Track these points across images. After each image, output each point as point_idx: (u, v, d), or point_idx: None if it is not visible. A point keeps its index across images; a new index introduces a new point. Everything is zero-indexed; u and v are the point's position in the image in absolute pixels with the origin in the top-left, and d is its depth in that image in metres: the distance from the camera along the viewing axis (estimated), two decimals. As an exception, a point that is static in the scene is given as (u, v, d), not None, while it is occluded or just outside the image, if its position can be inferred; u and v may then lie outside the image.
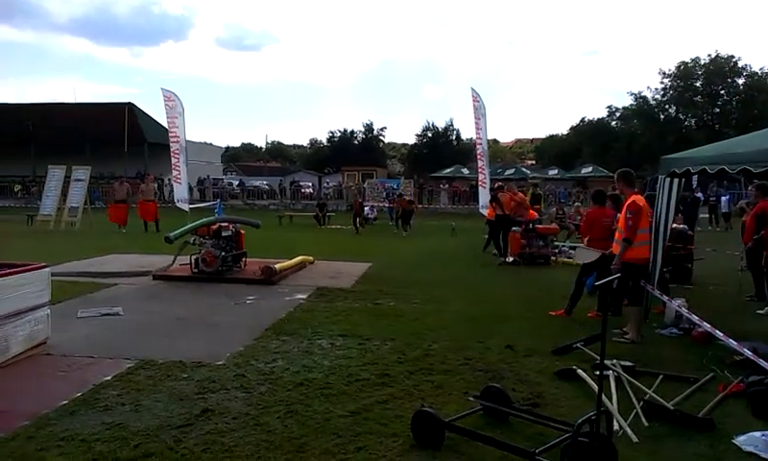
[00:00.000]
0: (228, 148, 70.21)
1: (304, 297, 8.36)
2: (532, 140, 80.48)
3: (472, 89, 16.83)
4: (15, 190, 38.05)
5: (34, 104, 40.03)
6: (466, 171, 42.29)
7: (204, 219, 10.82)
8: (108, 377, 4.88)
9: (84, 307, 7.37)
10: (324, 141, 69.12)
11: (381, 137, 65.71)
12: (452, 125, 61.83)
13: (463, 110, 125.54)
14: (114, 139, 34.28)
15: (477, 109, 16.66)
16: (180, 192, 17.60)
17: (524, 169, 45.86)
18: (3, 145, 38.41)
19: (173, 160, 16.57)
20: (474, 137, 18.09)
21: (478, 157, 17.34)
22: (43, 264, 5.91)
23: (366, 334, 6.33)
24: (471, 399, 4.32)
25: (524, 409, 4.14)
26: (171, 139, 16.50)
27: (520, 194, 14.42)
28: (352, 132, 64.06)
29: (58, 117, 37.19)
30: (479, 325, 6.92)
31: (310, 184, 43.03)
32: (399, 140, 76.54)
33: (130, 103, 36.30)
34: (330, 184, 41.11)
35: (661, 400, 4.41)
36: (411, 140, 66.62)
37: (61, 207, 20.66)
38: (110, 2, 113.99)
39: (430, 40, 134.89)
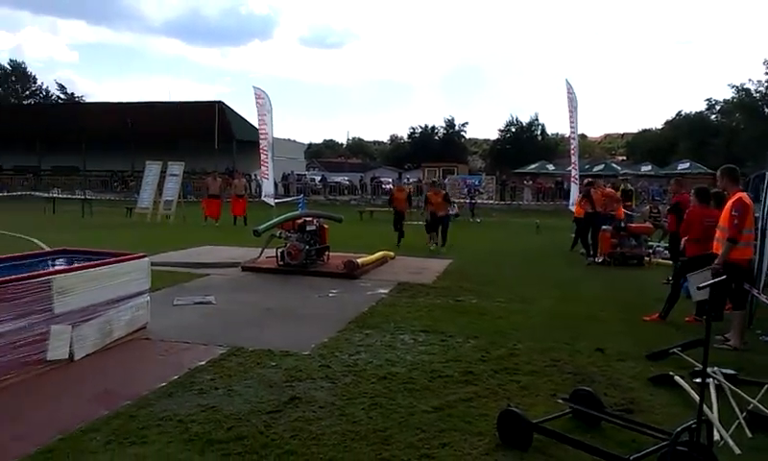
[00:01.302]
0: (310, 144, 71.89)
1: (386, 291, 8.41)
2: (622, 135, 76.95)
3: (566, 81, 16.26)
4: (116, 185, 40.70)
5: (132, 103, 42.60)
6: (551, 167, 41.08)
7: (289, 214, 11.12)
8: (203, 362, 5.11)
9: (179, 295, 7.76)
10: (405, 137, 69.35)
11: (463, 133, 65.07)
12: (537, 119, 60.37)
13: (548, 105, 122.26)
14: (205, 136, 35.91)
15: (571, 102, 16.11)
16: (268, 187, 18.15)
17: (614, 165, 43.81)
18: (104, 142, 41.10)
19: (261, 157, 17.09)
20: (568, 132, 17.49)
21: (571, 152, 16.78)
22: (143, 254, 6.27)
23: (448, 331, 6.28)
24: (560, 401, 4.18)
25: (617, 414, 3.96)
26: (260, 136, 17.03)
27: (609, 189, 13.83)
28: (433, 127, 63.86)
29: (153, 115, 39.39)
30: (567, 325, 6.70)
31: (390, 180, 43.23)
32: (481, 136, 75.44)
33: (220, 101, 37.86)
34: (410, 180, 41.12)
35: (767, 410, 4.10)
36: (493, 135, 65.53)
37: (157, 201, 21.89)
38: (201, 4, 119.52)
39: (515, 33, 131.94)
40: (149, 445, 3.54)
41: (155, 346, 5.67)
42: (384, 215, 24.34)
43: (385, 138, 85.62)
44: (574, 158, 16.56)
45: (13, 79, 66.35)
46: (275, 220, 10.78)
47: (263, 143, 17.00)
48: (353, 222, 21.10)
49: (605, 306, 7.78)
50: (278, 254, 10.07)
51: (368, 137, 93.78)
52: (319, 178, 43.85)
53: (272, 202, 17.37)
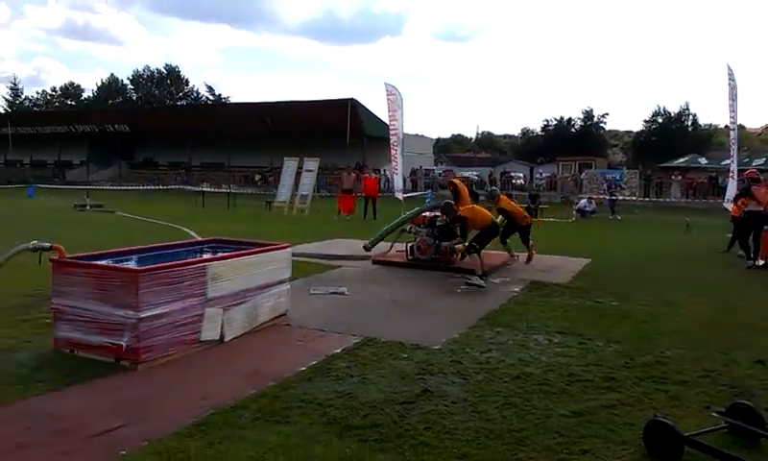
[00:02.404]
0: (438, 139, 71.99)
1: (518, 289, 8.18)
2: (786, 125, 68.73)
3: (728, 67, 14.80)
4: (256, 179, 43.50)
5: (270, 102, 45.29)
6: (703, 160, 37.77)
7: (397, 220, 11.13)
8: (338, 350, 5.29)
9: (315, 285, 8.11)
10: (538, 130, 67.17)
11: (602, 124, 61.70)
12: (687, 109, 55.65)
13: (701, 93, 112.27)
14: (337, 133, 37.23)
15: (732, 90, 14.67)
16: (398, 182, 18.46)
17: (777, 158, 39.34)
18: (246, 139, 44.10)
19: (392, 152, 17.43)
20: (725, 122, 16.08)
21: (731, 143, 15.30)
22: (286, 244, 6.63)
23: (587, 333, 5.97)
24: (715, 414, 3.81)
25: (783, 433, 3.53)
26: (390, 132, 17.35)
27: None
28: (569, 119, 61.17)
29: (290, 113, 41.56)
30: (722, 333, 6.10)
31: (521, 175, 42.18)
32: (622, 127, 71.09)
33: (352, 99, 39.04)
34: (543, 175, 39.81)
35: None
36: (636, 127, 61.50)
37: (294, 195, 23.10)
38: (335, 5, 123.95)
39: (661, 15, 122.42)
40: (292, 425, 3.72)
41: (294, 332, 5.97)
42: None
43: (516, 132, 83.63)
44: (733, 151, 15.07)
45: (168, 82, 73.43)
46: (382, 231, 10.94)
47: (393, 139, 17.30)
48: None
49: (767, 315, 6.99)
50: (408, 248, 10.18)
51: (498, 131, 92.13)
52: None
53: (401, 197, 17.64)
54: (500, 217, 10.46)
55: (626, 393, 4.42)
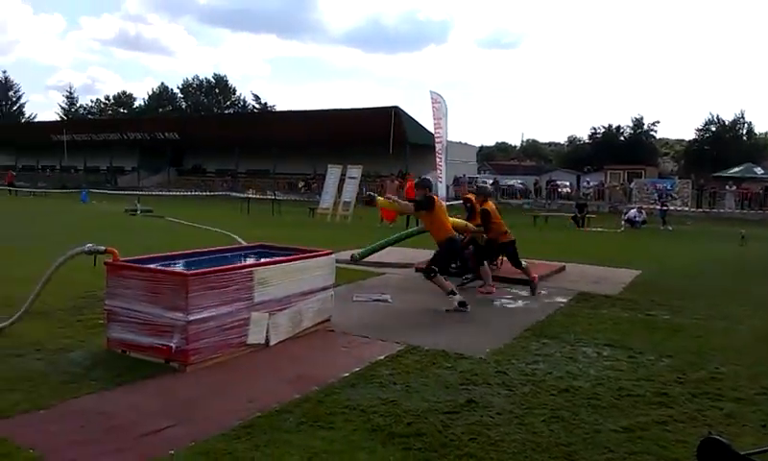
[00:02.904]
0: (482, 147, 71.46)
1: (565, 300, 8.01)
2: None
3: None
4: (300, 186, 44.09)
5: (314, 110, 45.80)
6: (759, 170, 36.39)
7: (396, 236, 10.57)
8: (381, 357, 5.28)
9: (358, 292, 8.13)
10: (585, 138, 65.95)
11: (652, 133, 60.18)
12: (743, 117, 53.81)
13: (757, 101, 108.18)
14: (380, 141, 37.36)
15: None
16: (441, 190, 18.36)
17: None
18: (290, 147, 44.74)
19: (436, 160, 17.32)
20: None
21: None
22: (330, 251, 6.67)
23: (637, 347, 5.79)
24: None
25: None
26: (435, 139, 17.26)
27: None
28: (618, 127, 59.95)
29: (334, 121, 41.94)
30: (782, 350, 5.84)
31: (568, 184, 41.43)
32: (673, 136, 69.15)
33: (395, 107, 39.12)
34: (591, 184, 38.98)
35: None
36: (688, 135, 59.80)
37: (337, 202, 23.29)
38: (380, 14, 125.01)
39: (715, 19, 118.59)
40: (336, 430, 3.72)
41: (337, 338, 5.99)
42: (560, 220, 23.41)
43: (562, 139, 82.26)
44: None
45: (217, 91, 75.36)
46: (374, 245, 10.28)
47: (438, 147, 17.19)
48: (526, 227, 20.52)
49: (833, 332, 6.64)
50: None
51: (543, 139, 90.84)
52: (491, 181, 43.36)
53: (444, 204, 17.54)
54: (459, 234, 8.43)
55: (679, 409, 4.27)
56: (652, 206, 26.51)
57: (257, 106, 72.99)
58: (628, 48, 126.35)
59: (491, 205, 8.56)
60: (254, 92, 78.06)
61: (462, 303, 7.15)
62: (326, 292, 6.35)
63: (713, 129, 54.86)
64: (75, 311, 6.53)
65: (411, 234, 9.72)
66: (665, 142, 67.51)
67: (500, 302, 7.98)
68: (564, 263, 10.86)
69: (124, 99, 79.64)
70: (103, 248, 5.35)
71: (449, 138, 21.12)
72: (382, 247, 8.60)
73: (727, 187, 33.32)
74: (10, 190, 37.69)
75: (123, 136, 53.15)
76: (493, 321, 6.90)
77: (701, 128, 56.13)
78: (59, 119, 67.46)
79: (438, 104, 16.68)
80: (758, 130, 55.51)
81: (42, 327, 5.79)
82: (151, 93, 77.36)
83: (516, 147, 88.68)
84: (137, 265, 5.35)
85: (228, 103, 75.15)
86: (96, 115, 75.17)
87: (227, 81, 76.28)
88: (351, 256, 7.93)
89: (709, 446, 3.32)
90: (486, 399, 4.35)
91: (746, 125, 54.69)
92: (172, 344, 4.77)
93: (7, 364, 4.75)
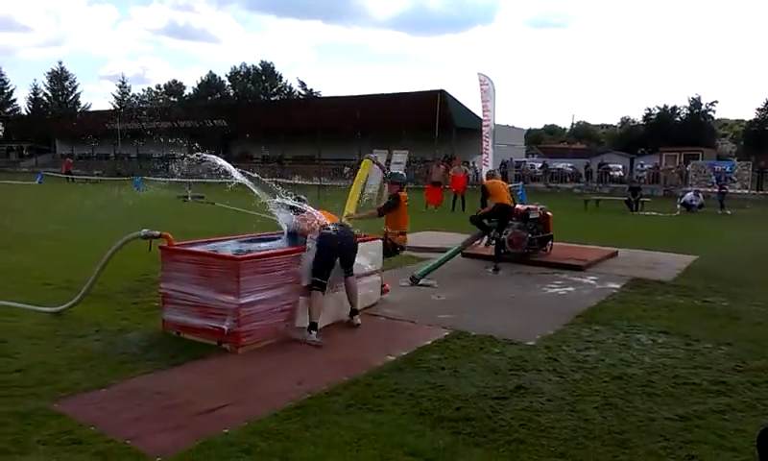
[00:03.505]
0: (530, 130, 70.07)
1: (617, 286, 7.80)
2: None
3: None
4: (345, 172, 44.29)
5: (359, 96, 45.77)
6: (823, 150, 34.33)
7: (452, 250, 9.08)
8: (428, 342, 5.28)
9: (404, 277, 8.12)
10: (639, 119, 63.79)
11: (711, 113, 57.70)
12: (807, 95, 50.93)
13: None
14: (427, 125, 37.08)
15: None
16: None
17: None
18: (336, 133, 44.93)
19: (483, 143, 17.15)
20: None
21: None
22: (377, 236, 6.68)
23: (694, 334, 5.60)
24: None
25: None
26: (483, 122, 17.07)
27: None
28: (674, 108, 57.64)
29: (379, 106, 41.81)
30: None
31: (620, 167, 40.17)
32: (733, 116, 66.28)
33: (441, 90, 38.68)
34: (644, 167, 37.70)
35: None
36: (749, 115, 57.18)
37: (382, 187, 23.26)
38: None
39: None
40: (384, 413, 3.75)
41: (384, 322, 6.03)
42: (612, 205, 22.77)
43: (615, 121, 79.88)
44: None
45: (263, 78, 76.19)
46: (434, 262, 8.64)
47: (485, 130, 17.03)
48: (577, 211, 20.07)
49: None
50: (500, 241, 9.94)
51: (594, 121, 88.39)
52: (539, 164, 42.52)
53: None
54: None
55: (737, 398, 4.13)
56: (709, 190, 25.47)
57: (303, 92, 73.52)
58: (684, 24, 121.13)
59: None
60: (300, 79, 77.99)
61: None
62: (374, 277, 6.39)
63: (775, 108, 52.36)
64: (132, 294, 6.77)
65: (465, 246, 9.50)
66: (724, 123, 64.79)
67: (550, 287, 7.84)
68: (616, 248, 10.56)
69: (174, 88, 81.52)
70: (158, 233, 5.51)
71: (496, 121, 20.82)
72: (442, 263, 8.51)
73: (790, 169, 31.66)
74: (67, 178, 39.19)
75: (173, 124, 54.49)
76: (543, 306, 6.79)
77: (762, 107, 53.64)
78: (112, 108, 69.66)
79: (486, 86, 16.49)
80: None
81: (101, 310, 6.03)
82: (200, 82, 78.93)
83: (565, 129, 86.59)
84: (191, 249, 5.50)
85: (275, 90, 75.89)
86: (147, 104, 77.33)
87: (273, 68, 77.01)
88: (411, 278, 7.94)
89: (771, 436, 3.20)
90: (536, 385, 4.30)
91: (811, 103, 51.99)
92: (224, 326, 4.89)
93: (68, 345, 4.97)
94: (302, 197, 6.13)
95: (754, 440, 3.28)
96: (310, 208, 5.92)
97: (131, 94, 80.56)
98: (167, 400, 3.92)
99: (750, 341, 5.44)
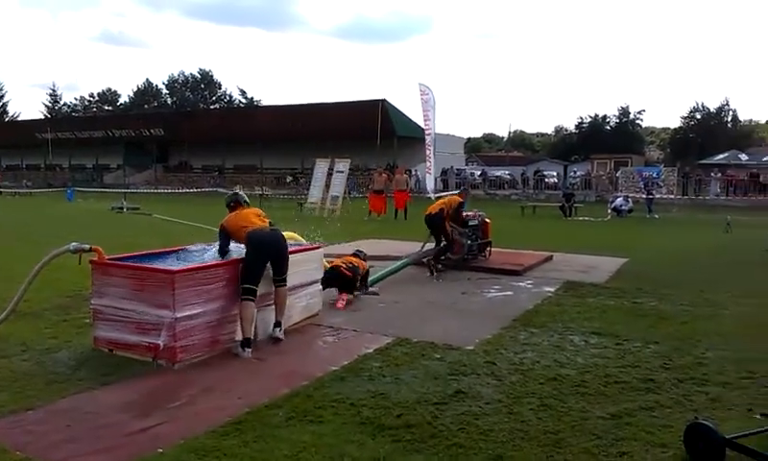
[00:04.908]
0: (469, 139, 71.46)
1: (552, 290, 8.05)
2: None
3: None
4: (287, 181, 43.89)
5: (301, 104, 45.51)
6: (743, 157, 36.69)
7: (399, 263, 9.00)
8: (370, 350, 5.29)
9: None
10: (572, 128, 66.24)
11: (639, 121, 60.60)
12: (727, 105, 54.46)
13: (740, 88, 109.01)
14: (368, 134, 37.24)
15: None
16: (429, 182, 18.40)
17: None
18: (278, 142, 44.49)
19: (426, 152, 17.39)
20: None
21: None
22: (318, 245, 6.67)
23: (624, 335, 5.84)
24: (759, 416, 3.72)
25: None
26: (425, 131, 17.31)
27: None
28: (604, 116, 60.25)
29: (321, 115, 41.70)
30: (766, 334, 5.91)
31: (555, 174, 41.56)
32: (659, 124, 69.69)
33: (383, 99, 38.96)
34: (577, 174, 39.13)
35: None
36: (674, 123, 60.39)
37: (324, 196, 23.21)
38: (364, 5, 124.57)
39: (697, 8, 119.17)
40: (325, 424, 3.73)
41: (326, 332, 5.99)
42: (547, 211, 23.49)
43: (549, 130, 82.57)
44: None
45: (202, 86, 74.70)
46: (384, 272, 8.59)
47: (428, 139, 17.26)
48: (514, 217, 20.60)
49: (815, 316, 6.74)
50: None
51: (530, 130, 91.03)
52: (479, 172, 43.43)
53: (433, 196, 17.59)
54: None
55: (665, 395, 4.32)
56: (638, 195, 26.66)
57: (244, 100, 72.50)
58: (613, 37, 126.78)
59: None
60: (241, 87, 77.16)
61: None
62: (315, 286, 6.35)
63: (698, 116, 55.41)
64: (61, 311, 6.48)
65: (419, 258, 9.47)
66: (651, 131, 68.06)
67: (489, 292, 8.00)
68: (551, 253, 10.91)
69: (108, 96, 78.77)
70: (88, 246, 5.29)
71: (437, 130, 21.15)
72: (392, 273, 8.52)
73: (712, 174, 33.51)
74: (-6, 190, 37.21)
75: (108, 134, 52.58)
76: (482, 311, 6.93)
77: (686, 116, 56.84)
78: (42, 117, 66.61)
79: (426, 96, 16.74)
80: (743, 117, 56.38)
81: (28, 328, 5.75)
82: (135, 90, 76.61)
83: (503, 138, 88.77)
84: (123, 263, 5.31)
85: (214, 98, 74.52)
86: (80, 113, 74.31)
87: (212, 76, 75.67)
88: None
89: (696, 430, 3.37)
90: (475, 389, 4.38)
91: (731, 112, 55.42)
92: (159, 341, 4.74)
93: (-8, 365, 4.70)
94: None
95: (681, 435, 3.45)
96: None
97: (62, 102, 77.36)
98: (98, 420, 3.77)
99: (677, 339, 5.71)
